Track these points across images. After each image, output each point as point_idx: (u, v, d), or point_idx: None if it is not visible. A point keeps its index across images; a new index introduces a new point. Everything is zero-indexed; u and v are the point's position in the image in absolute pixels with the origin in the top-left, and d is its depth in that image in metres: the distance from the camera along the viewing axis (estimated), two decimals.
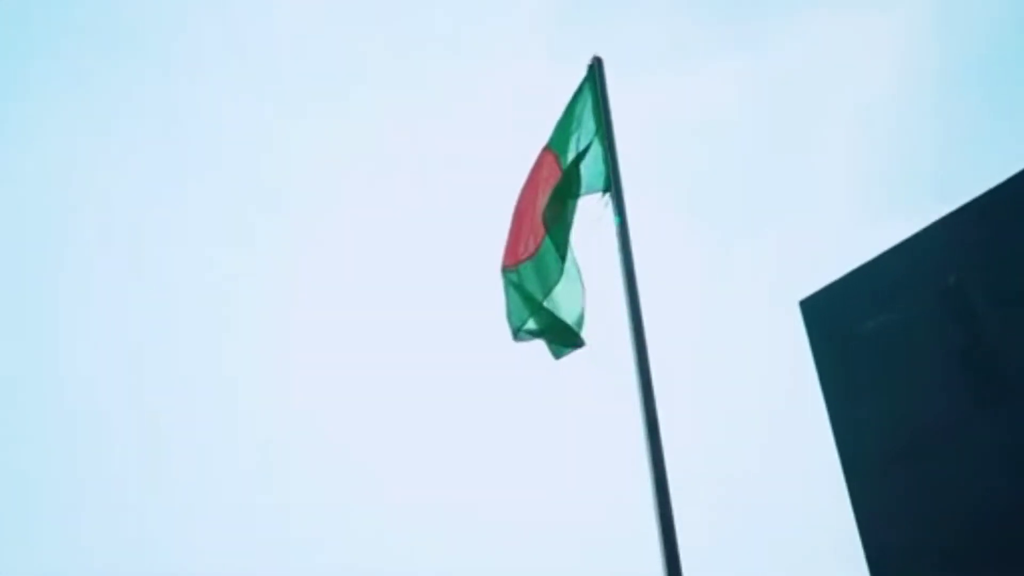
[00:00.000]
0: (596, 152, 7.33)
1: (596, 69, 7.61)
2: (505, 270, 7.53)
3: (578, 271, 7.21)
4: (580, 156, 7.33)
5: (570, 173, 7.23)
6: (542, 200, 7.26)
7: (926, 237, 10.61)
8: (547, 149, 7.46)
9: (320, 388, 29.75)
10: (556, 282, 7.12)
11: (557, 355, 7.31)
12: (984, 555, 9.39)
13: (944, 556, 9.60)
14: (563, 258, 7.13)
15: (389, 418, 27.80)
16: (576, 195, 7.24)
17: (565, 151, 7.39)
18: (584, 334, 7.17)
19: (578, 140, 7.39)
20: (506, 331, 7.37)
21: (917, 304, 10.41)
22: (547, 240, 7.18)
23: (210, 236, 30.98)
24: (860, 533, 10.08)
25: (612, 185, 7.06)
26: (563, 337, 7.22)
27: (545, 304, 7.18)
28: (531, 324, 7.33)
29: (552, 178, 7.31)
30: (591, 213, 7.13)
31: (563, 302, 7.21)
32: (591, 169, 7.35)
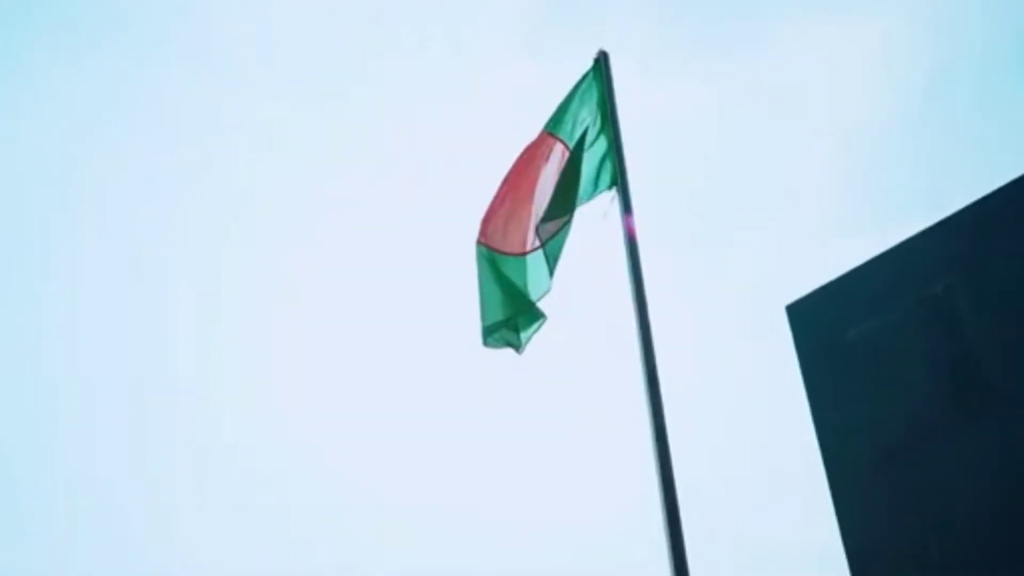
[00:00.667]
0: (602, 148, 7.27)
1: (602, 63, 7.55)
2: (482, 245, 7.32)
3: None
4: (581, 146, 7.26)
5: (576, 168, 7.16)
6: (546, 192, 7.17)
7: (913, 245, 10.67)
8: (553, 136, 7.34)
9: (319, 389, 29.60)
10: (546, 292, 7.07)
11: (522, 342, 7.19)
12: (965, 562, 9.45)
13: (925, 562, 9.65)
14: (552, 273, 7.08)
15: (389, 419, 27.65)
16: (574, 208, 7.15)
17: (571, 138, 7.31)
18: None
19: (585, 132, 7.32)
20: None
21: (904, 311, 10.46)
22: (540, 253, 7.11)
23: (207, 235, 30.67)
24: (842, 537, 10.11)
25: (619, 181, 7.01)
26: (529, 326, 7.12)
27: (538, 305, 7.08)
28: (505, 329, 7.18)
29: (559, 165, 7.23)
30: (597, 209, 7.08)
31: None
32: (595, 168, 7.27)
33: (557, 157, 7.27)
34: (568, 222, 7.14)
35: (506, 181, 7.38)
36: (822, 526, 10.32)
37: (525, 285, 7.09)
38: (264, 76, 29.88)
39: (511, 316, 7.13)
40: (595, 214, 7.05)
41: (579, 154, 7.21)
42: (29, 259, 28.30)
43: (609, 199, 7.03)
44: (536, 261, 7.16)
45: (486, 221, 7.35)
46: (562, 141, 7.33)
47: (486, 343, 7.14)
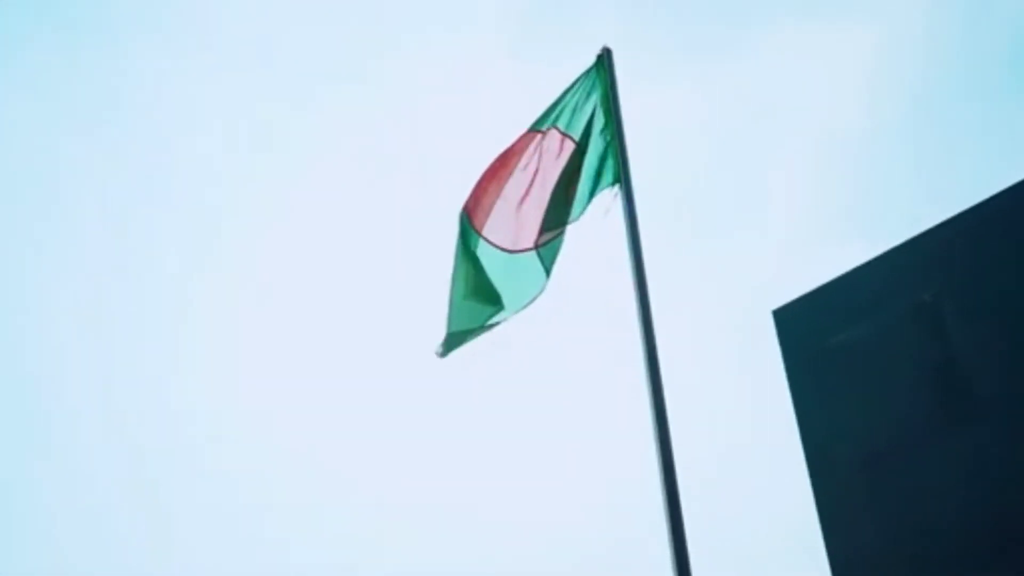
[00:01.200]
0: (605, 144, 7.24)
1: (606, 59, 7.53)
2: (466, 217, 7.24)
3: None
4: (587, 140, 7.23)
5: (578, 163, 7.13)
6: (545, 186, 7.13)
7: (901, 253, 10.74)
8: (558, 130, 7.29)
9: (318, 389, 29.39)
10: (538, 294, 7.01)
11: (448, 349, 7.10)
12: (948, 567, 9.52)
13: (908, 566, 9.72)
14: (548, 274, 7.03)
15: (388, 419, 27.46)
16: (567, 219, 7.10)
17: (575, 131, 7.27)
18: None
19: (589, 127, 7.28)
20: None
21: (891, 319, 10.53)
22: (535, 255, 7.05)
23: (203, 234, 30.39)
24: (825, 539, 10.16)
25: (622, 177, 6.99)
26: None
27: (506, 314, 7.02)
28: (468, 338, 7.10)
29: (561, 158, 7.19)
30: (600, 205, 7.05)
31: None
32: (596, 165, 7.24)
33: (558, 150, 7.23)
34: (562, 233, 7.12)
35: (493, 167, 7.33)
36: (805, 528, 10.36)
37: (487, 274, 7.03)
38: (261, 77, 29.71)
39: (472, 327, 7.05)
40: (597, 211, 7.03)
41: (584, 147, 7.19)
42: (21, 257, 27.94)
43: (612, 195, 7.01)
44: (520, 263, 7.10)
45: (471, 195, 7.30)
46: (568, 136, 7.30)
47: (443, 353, 7.03)
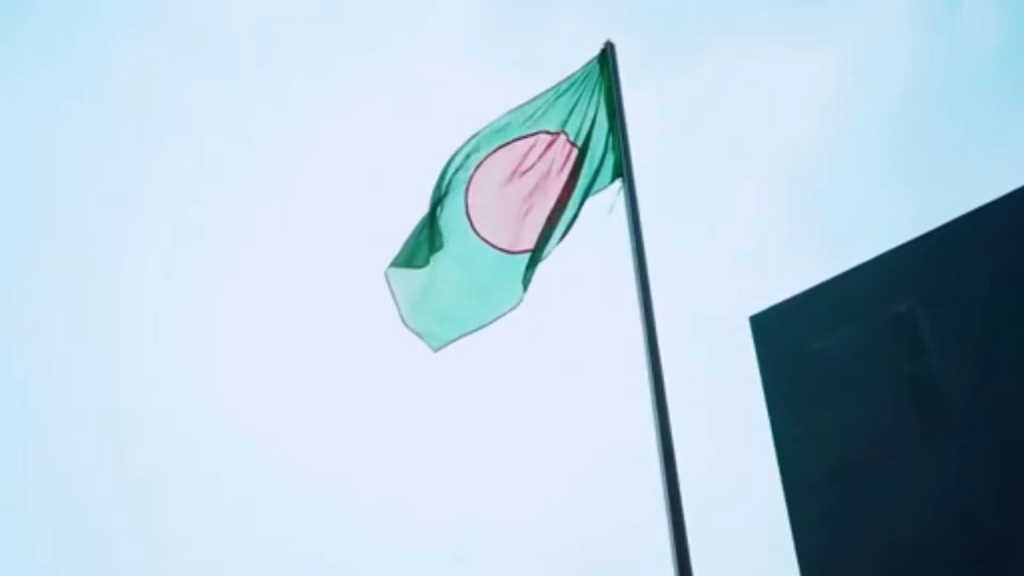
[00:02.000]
0: (604, 142, 7.14)
1: (609, 54, 7.42)
2: (466, 213, 7.16)
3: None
4: (586, 144, 7.13)
5: (579, 168, 7.03)
6: (552, 193, 7.03)
7: (882, 263, 10.77)
8: (565, 135, 7.18)
9: (315, 389, 29.02)
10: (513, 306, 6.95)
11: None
12: None
13: None
14: (525, 286, 6.97)
15: (384, 418, 27.09)
16: (551, 237, 7.04)
17: (578, 135, 7.15)
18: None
19: (592, 127, 7.16)
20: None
21: (868, 329, 10.54)
22: (527, 259, 6.97)
23: (193, 233, 29.87)
24: (796, 550, 10.12)
25: (624, 173, 6.89)
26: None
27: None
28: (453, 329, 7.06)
29: (568, 161, 7.09)
30: (603, 203, 6.99)
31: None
32: (597, 163, 7.15)
33: (564, 155, 7.13)
34: (546, 248, 7.09)
35: (499, 165, 7.25)
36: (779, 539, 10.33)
37: (501, 286, 6.98)
38: (255, 74, 29.32)
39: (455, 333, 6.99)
40: (598, 209, 6.96)
41: (585, 149, 7.09)
42: (1, 252, 27.16)
43: (615, 192, 6.95)
44: (516, 264, 7.04)
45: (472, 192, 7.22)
46: (574, 143, 7.20)
47: (408, 324, 6.99)
